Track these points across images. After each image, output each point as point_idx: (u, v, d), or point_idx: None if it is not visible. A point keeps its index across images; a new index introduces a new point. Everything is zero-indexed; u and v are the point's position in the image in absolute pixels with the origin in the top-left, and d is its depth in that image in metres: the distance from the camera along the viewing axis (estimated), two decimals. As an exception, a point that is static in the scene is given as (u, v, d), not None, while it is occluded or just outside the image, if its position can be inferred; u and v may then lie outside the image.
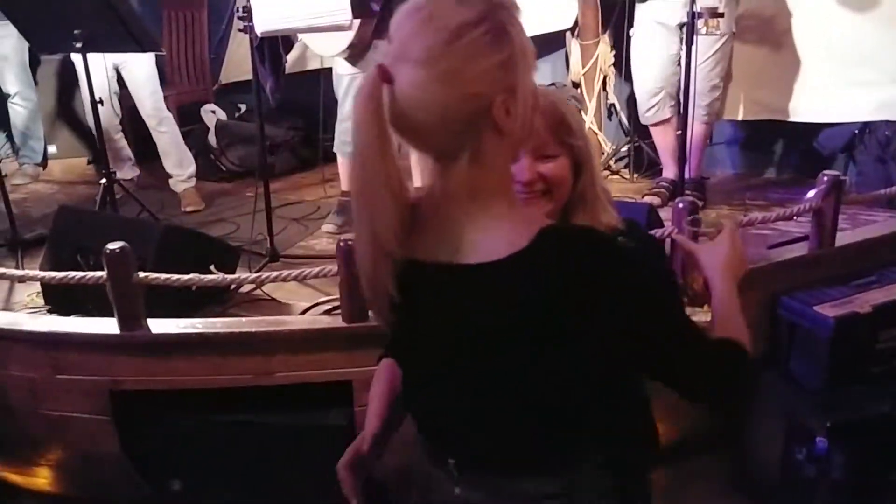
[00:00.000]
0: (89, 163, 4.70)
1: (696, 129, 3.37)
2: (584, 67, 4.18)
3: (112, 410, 2.41)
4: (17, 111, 4.65)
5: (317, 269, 2.44)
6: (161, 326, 2.37)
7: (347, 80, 3.35)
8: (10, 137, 4.92)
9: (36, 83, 4.67)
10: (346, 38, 3.19)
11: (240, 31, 3.40)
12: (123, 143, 4.25)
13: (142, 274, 2.32)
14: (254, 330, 2.40)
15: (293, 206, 3.95)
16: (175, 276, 2.35)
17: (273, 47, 3.83)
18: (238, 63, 5.05)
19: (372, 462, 1.32)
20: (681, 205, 2.39)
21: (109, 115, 3.87)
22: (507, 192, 1.09)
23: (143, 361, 2.37)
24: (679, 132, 3.29)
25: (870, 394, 2.38)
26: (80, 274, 2.44)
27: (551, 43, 4.34)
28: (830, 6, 3.57)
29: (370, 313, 2.23)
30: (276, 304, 2.79)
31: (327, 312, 2.60)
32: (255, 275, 2.65)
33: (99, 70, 3.68)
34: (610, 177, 4.08)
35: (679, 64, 3.41)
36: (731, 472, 2.60)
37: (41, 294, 2.86)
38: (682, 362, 1.10)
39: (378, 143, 1.01)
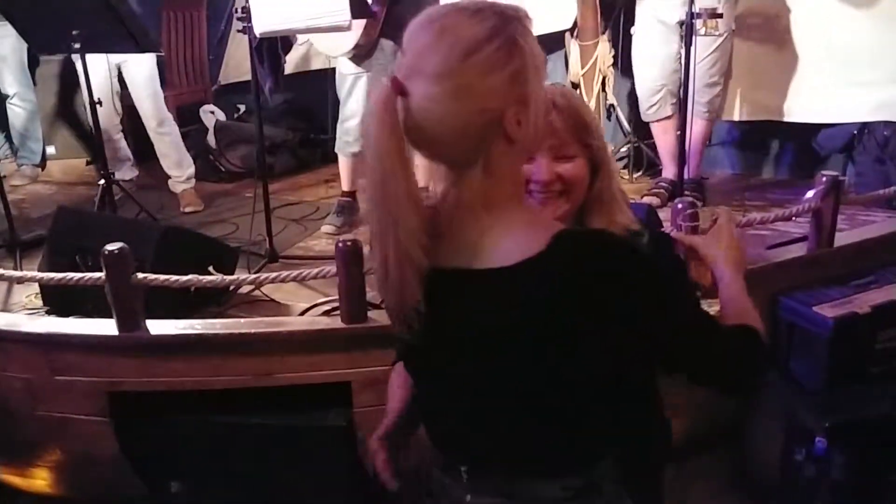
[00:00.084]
0: (88, 163, 4.69)
1: (696, 126, 3.37)
2: (583, 68, 4.17)
3: (111, 411, 2.41)
4: (16, 112, 4.65)
5: (316, 270, 2.43)
6: (160, 327, 2.37)
7: (351, 80, 3.35)
8: (8, 138, 4.92)
9: (35, 83, 4.66)
10: (353, 37, 3.19)
11: (239, 31, 3.40)
12: (123, 143, 4.26)
13: (140, 275, 2.31)
14: (253, 331, 2.39)
15: (292, 207, 3.94)
16: (174, 277, 2.35)
17: (272, 48, 3.84)
18: (237, 64, 5.07)
19: (404, 439, 1.32)
20: (680, 205, 2.39)
21: (110, 114, 3.87)
22: (520, 198, 1.11)
23: (141, 362, 2.36)
24: (679, 132, 3.29)
25: (869, 394, 2.38)
26: (78, 275, 2.44)
27: (550, 44, 4.33)
28: (830, 6, 3.57)
29: (369, 314, 2.27)
30: (275, 305, 2.79)
31: (326, 313, 2.59)
32: (254, 276, 2.64)
33: (101, 69, 3.67)
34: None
35: (680, 61, 3.41)
36: (731, 472, 2.60)
37: (39, 295, 2.86)
38: (701, 355, 1.12)
39: (398, 158, 1.02)
